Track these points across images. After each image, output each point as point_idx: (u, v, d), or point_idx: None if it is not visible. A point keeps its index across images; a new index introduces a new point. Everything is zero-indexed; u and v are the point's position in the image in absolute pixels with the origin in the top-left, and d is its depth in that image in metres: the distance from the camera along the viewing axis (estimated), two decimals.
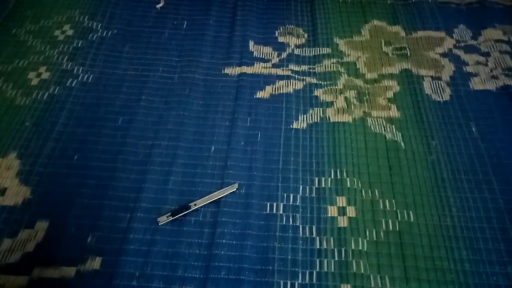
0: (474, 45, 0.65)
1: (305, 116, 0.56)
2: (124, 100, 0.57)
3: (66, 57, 0.62)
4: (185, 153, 0.52)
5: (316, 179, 0.50)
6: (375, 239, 0.45)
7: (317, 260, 0.44)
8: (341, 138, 0.53)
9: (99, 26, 0.66)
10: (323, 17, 0.68)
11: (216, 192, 0.48)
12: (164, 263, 0.43)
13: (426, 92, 0.59)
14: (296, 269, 0.43)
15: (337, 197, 0.48)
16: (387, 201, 0.48)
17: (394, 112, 0.57)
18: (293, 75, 0.61)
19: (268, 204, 0.48)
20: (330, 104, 0.57)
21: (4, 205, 0.47)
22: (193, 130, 0.54)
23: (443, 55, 0.64)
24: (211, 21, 0.68)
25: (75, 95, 0.57)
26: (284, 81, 0.60)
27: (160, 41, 0.65)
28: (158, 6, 0.70)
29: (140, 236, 0.45)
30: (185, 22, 0.68)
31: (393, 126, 0.55)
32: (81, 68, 0.60)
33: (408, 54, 0.63)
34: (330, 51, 0.64)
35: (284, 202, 0.48)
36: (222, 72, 0.61)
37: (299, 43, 0.65)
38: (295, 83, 0.60)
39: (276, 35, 0.66)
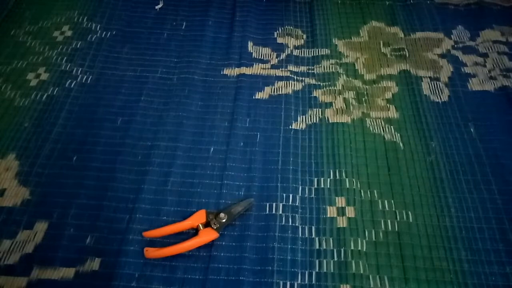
0: (472, 46, 0.65)
1: (304, 116, 0.56)
2: (123, 101, 0.57)
3: (65, 58, 0.62)
4: (184, 154, 0.52)
5: (315, 179, 0.50)
6: (374, 239, 0.45)
7: (317, 261, 0.44)
8: (340, 138, 0.54)
9: (98, 27, 0.66)
10: (322, 18, 0.69)
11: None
12: (164, 265, 0.43)
13: (425, 93, 0.59)
14: (296, 270, 0.43)
15: (336, 198, 0.48)
16: (386, 201, 0.48)
17: (392, 113, 0.57)
18: (292, 76, 0.61)
19: (268, 204, 0.48)
20: (329, 105, 0.57)
21: (3, 206, 0.47)
22: (192, 131, 0.54)
23: (442, 56, 0.64)
24: (210, 22, 0.68)
25: (74, 96, 0.57)
26: (283, 82, 0.60)
27: (159, 42, 0.65)
28: (157, 7, 0.70)
29: (139, 237, 0.45)
30: (184, 23, 0.68)
31: (391, 126, 0.55)
32: (80, 69, 0.60)
33: (407, 55, 0.64)
34: (329, 52, 0.64)
35: (284, 203, 0.48)
36: (221, 73, 0.61)
37: (298, 44, 0.65)
38: (294, 84, 0.60)
39: (275, 36, 0.67)
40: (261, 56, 0.63)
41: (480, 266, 0.44)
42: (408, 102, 0.58)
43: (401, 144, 0.53)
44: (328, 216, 0.47)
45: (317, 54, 0.64)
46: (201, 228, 0.45)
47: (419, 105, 0.57)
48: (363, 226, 0.46)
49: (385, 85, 0.60)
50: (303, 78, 0.61)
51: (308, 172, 0.51)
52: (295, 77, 0.61)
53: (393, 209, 0.48)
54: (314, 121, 0.56)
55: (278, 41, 0.66)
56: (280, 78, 0.61)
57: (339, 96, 0.58)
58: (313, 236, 0.45)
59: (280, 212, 0.47)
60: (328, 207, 0.48)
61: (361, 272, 0.43)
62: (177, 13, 0.69)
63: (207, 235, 0.44)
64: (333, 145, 0.53)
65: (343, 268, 0.43)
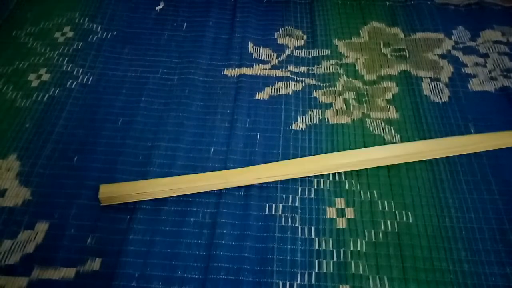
0: (472, 46, 0.65)
1: (304, 117, 0.56)
2: (123, 101, 0.57)
3: (66, 59, 0.62)
4: (184, 155, 0.52)
5: (315, 180, 0.50)
6: (373, 240, 0.45)
7: (316, 261, 0.44)
8: (339, 139, 0.54)
9: (99, 27, 0.66)
10: (322, 18, 0.69)
11: None
12: (164, 264, 0.43)
13: (425, 93, 0.59)
14: (295, 270, 0.43)
15: (336, 199, 0.48)
16: (385, 202, 0.48)
17: (393, 114, 0.57)
18: (292, 76, 0.61)
19: (267, 205, 0.48)
20: (329, 105, 0.58)
21: (4, 206, 0.47)
22: (193, 131, 0.55)
23: (442, 56, 0.64)
24: (210, 22, 0.68)
25: (75, 97, 0.58)
26: (283, 82, 0.60)
27: (159, 42, 0.65)
28: (158, 8, 0.70)
29: (139, 237, 0.45)
30: (185, 24, 0.68)
31: (391, 127, 0.55)
32: (81, 70, 0.61)
33: (407, 55, 0.64)
34: (329, 52, 0.64)
35: (283, 203, 0.48)
36: (222, 73, 0.61)
37: (299, 44, 0.66)
38: (294, 84, 0.60)
39: (276, 36, 0.67)
40: (262, 57, 0.64)
41: (480, 266, 0.44)
42: (408, 103, 0.58)
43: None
44: (328, 217, 0.47)
45: (317, 54, 0.64)
46: None
47: (419, 106, 0.57)
48: (363, 227, 0.46)
49: (385, 86, 0.60)
50: (303, 79, 0.61)
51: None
52: (295, 78, 0.61)
53: (393, 210, 0.48)
54: (314, 122, 0.56)
55: (278, 42, 0.66)
56: (280, 79, 0.61)
57: (339, 97, 0.58)
58: (313, 236, 0.46)
59: (280, 213, 0.47)
60: (327, 208, 0.48)
61: (361, 272, 0.43)
62: (177, 14, 0.69)
63: None
64: (333, 146, 0.53)
65: (343, 269, 0.43)
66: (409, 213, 0.47)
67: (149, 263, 0.43)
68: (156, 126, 0.55)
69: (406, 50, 0.64)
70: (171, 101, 0.57)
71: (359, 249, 0.45)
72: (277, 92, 0.59)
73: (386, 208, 0.48)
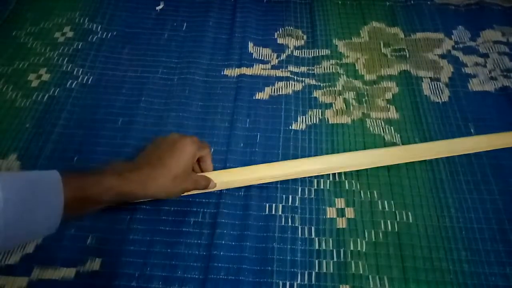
0: (472, 46, 0.65)
1: (304, 117, 0.56)
2: (123, 101, 0.57)
3: (66, 58, 0.62)
4: None
5: (315, 180, 0.50)
6: (373, 240, 0.45)
7: (316, 261, 0.44)
8: (339, 139, 0.54)
9: (99, 27, 0.66)
10: (322, 18, 0.69)
11: None
12: (164, 264, 0.43)
13: (425, 93, 0.59)
14: (295, 270, 0.43)
15: (336, 199, 0.48)
16: (385, 202, 0.48)
17: (393, 114, 0.57)
18: (292, 76, 0.61)
19: (267, 205, 0.48)
20: (329, 105, 0.58)
21: None
22: (193, 131, 0.55)
23: (442, 56, 0.64)
24: (210, 22, 0.68)
25: (75, 97, 0.58)
26: (283, 82, 0.60)
27: (159, 42, 0.65)
28: (158, 8, 0.70)
29: (139, 237, 0.45)
30: (185, 24, 0.68)
31: (391, 127, 0.55)
32: (81, 70, 0.60)
33: (407, 55, 0.64)
34: (329, 52, 0.64)
35: (283, 203, 0.48)
36: (222, 73, 0.61)
37: (298, 44, 0.66)
38: (294, 84, 0.60)
39: (275, 36, 0.67)
40: (262, 57, 0.64)
41: (480, 266, 0.44)
42: (408, 103, 0.58)
43: (401, 145, 0.53)
44: (328, 217, 0.47)
45: (317, 54, 0.64)
46: None
47: (419, 106, 0.57)
48: (363, 227, 0.46)
49: (385, 86, 0.60)
50: (303, 79, 0.61)
51: None
52: (295, 78, 0.61)
53: (393, 210, 0.48)
54: (314, 122, 0.56)
55: (278, 42, 0.66)
56: (280, 79, 0.61)
57: (339, 97, 0.58)
58: (313, 236, 0.46)
59: (280, 213, 0.47)
60: (327, 208, 0.48)
61: (361, 272, 0.43)
62: (177, 14, 0.69)
63: None
64: (333, 146, 0.53)
65: (343, 269, 0.43)
66: (409, 213, 0.47)
67: (149, 263, 0.43)
68: (156, 126, 0.55)
69: (406, 50, 0.64)
70: (171, 101, 0.57)
71: (359, 249, 0.45)
72: (277, 92, 0.59)
73: (386, 208, 0.48)
